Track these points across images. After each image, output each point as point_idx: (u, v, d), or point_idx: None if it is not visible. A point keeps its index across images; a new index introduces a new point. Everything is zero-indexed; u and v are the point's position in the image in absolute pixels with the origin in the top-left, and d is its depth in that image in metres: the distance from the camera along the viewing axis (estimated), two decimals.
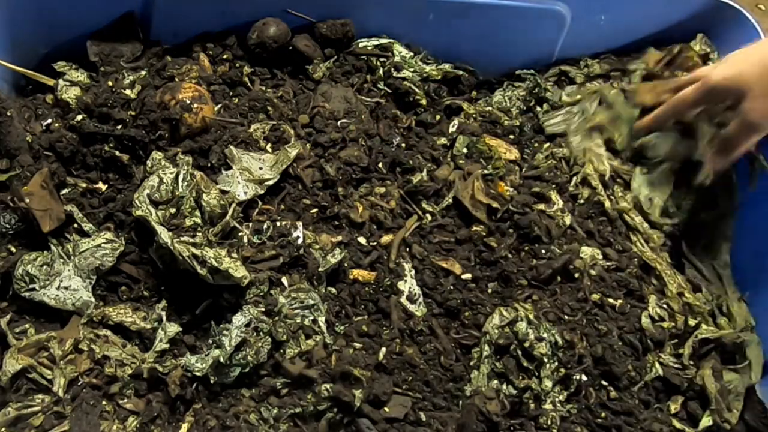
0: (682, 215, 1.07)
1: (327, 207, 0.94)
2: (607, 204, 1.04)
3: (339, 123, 1.00)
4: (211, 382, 0.80)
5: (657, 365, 0.95)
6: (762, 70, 0.91)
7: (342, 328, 0.87)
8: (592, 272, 0.98)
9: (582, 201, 1.04)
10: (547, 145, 1.09)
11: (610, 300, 0.97)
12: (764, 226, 1.05)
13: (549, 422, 0.86)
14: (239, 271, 0.82)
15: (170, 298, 0.86)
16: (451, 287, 0.93)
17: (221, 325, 0.82)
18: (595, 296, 0.96)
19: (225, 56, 1.04)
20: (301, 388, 0.83)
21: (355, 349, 0.85)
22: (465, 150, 1.03)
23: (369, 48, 1.08)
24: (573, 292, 0.96)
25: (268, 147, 0.94)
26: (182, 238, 0.82)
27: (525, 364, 0.88)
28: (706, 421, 0.93)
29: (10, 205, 0.83)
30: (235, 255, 0.84)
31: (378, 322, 0.89)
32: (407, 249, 0.95)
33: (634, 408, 0.90)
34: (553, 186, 1.03)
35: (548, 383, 0.88)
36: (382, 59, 1.08)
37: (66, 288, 0.83)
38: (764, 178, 1.05)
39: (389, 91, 1.08)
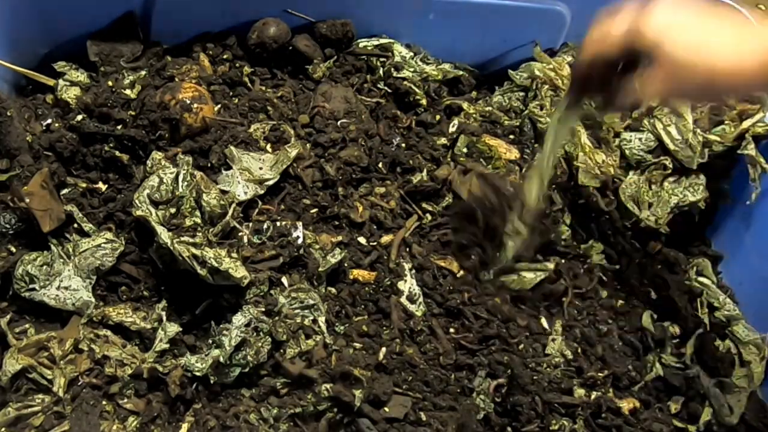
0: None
1: (327, 207, 0.94)
2: (602, 204, 1.04)
3: (339, 123, 1.00)
4: (211, 382, 0.80)
5: (657, 365, 0.95)
6: (689, 49, 0.72)
7: (342, 328, 0.87)
8: (593, 272, 0.98)
9: (582, 201, 1.04)
10: None
11: (611, 300, 0.97)
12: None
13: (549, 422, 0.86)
14: (239, 271, 0.82)
15: (170, 298, 0.86)
16: (451, 287, 0.93)
17: (221, 325, 0.82)
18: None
19: (225, 56, 1.04)
20: (301, 388, 0.83)
21: (355, 349, 0.85)
22: (465, 150, 1.03)
23: (369, 48, 1.08)
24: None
25: (268, 147, 0.94)
26: (182, 238, 0.82)
27: None
28: (705, 416, 0.93)
29: (10, 205, 0.83)
30: (235, 255, 0.84)
31: (378, 322, 0.89)
32: (407, 249, 0.95)
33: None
34: (553, 186, 1.03)
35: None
36: (382, 59, 1.09)
37: (66, 288, 0.83)
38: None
39: (389, 91, 1.08)
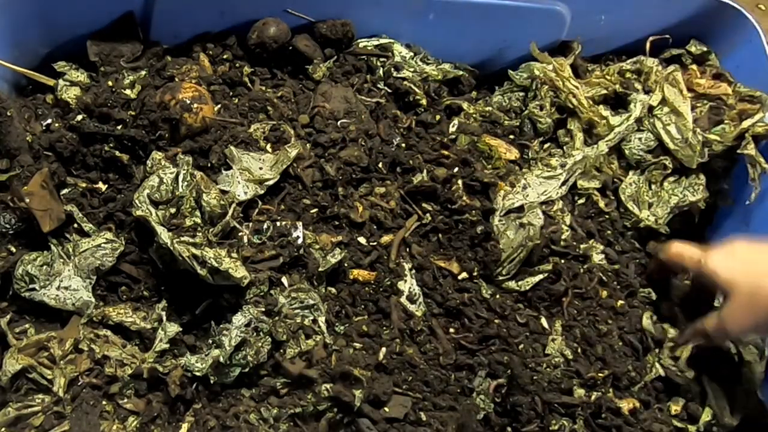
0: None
1: (327, 207, 0.94)
2: (602, 204, 1.04)
3: (339, 123, 1.00)
4: (211, 382, 0.80)
5: (657, 365, 0.95)
6: (752, 284, 0.84)
7: (342, 328, 0.87)
8: (593, 272, 0.98)
9: (582, 201, 1.04)
10: (547, 145, 1.09)
11: (611, 300, 0.97)
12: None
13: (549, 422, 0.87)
14: (239, 271, 0.82)
15: (170, 298, 0.86)
16: (450, 288, 0.93)
17: (221, 325, 0.82)
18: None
19: (225, 56, 1.04)
20: (301, 388, 0.83)
21: (355, 349, 0.85)
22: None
23: (369, 48, 1.08)
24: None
25: (268, 147, 0.94)
26: (182, 238, 0.82)
27: None
28: (705, 416, 0.93)
29: (10, 205, 0.83)
30: (235, 255, 0.84)
31: (378, 322, 0.89)
32: (407, 249, 0.95)
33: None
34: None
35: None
36: (382, 59, 1.08)
37: (66, 288, 0.83)
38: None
39: (389, 91, 1.07)
